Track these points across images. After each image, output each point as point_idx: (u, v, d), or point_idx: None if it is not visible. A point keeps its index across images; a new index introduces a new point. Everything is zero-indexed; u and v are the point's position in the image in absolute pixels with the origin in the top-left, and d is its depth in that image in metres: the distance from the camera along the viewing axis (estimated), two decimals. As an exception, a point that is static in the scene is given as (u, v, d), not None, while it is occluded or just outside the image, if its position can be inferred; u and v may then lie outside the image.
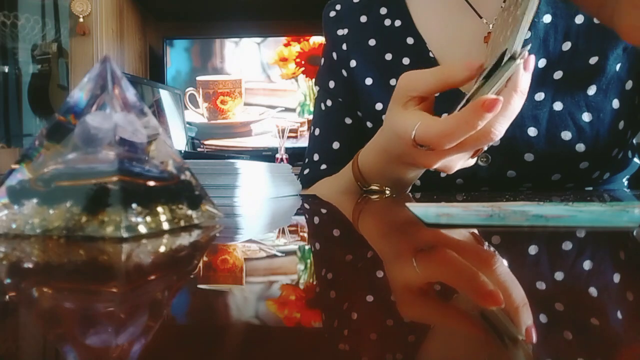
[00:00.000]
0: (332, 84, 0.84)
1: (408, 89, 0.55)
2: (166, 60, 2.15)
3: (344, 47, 0.82)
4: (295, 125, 2.10)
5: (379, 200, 0.57)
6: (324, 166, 0.82)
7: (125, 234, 0.26)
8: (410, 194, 0.68)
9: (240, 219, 0.41)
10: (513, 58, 0.48)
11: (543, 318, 0.15)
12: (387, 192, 0.64)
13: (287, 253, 0.26)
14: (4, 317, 0.16)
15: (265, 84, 2.14)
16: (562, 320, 0.15)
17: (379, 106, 0.77)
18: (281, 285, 0.19)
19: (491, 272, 0.21)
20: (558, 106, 0.69)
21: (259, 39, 2.15)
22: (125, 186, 0.28)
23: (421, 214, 0.35)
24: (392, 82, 0.77)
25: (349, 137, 0.82)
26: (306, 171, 0.85)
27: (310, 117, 2.00)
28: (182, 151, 1.82)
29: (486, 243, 0.28)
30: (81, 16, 1.80)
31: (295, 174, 0.72)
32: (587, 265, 0.22)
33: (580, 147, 0.69)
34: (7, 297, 0.18)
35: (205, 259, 0.25)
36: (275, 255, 0.25)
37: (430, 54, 0.75)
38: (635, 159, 0.78)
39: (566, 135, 0.69)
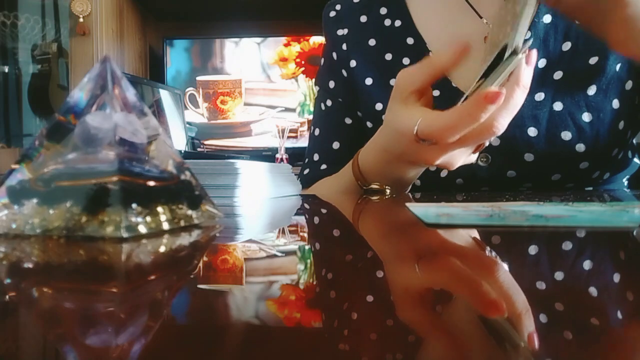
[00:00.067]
0: (332, 84, 0.84)
1: (406, 84, 0.56)
2: (166, 60, 2.15)
3: (344, 47, 0.82)
4: (295, 125, 2.10)
5: (379, 201, 0.57)
6: (324, 166, 0.82)
7: (125, 234, 0.26)
8: (410, 194, 0.68)
9: (240, 219, 0.41)
10: (515, 53, 0.48)
11: (543, 319, 0.15)
12: (387, 191, 0.64)
13: (287, 253, 0.26)
14: (4, 317, 0.16)
15: (265, 84, 2.14)
16: (563, 321, 0.15)
17: (379, 106, 0.77)
18: (281, 286, 0.19)
19: (491, 273, 0.21)
20: (558, 106, 0.69)
21: (259, 39, 2.15)
22: (125, 186, 0.28)
23: (421, 214, 0.35)
24: (392, 82, 0.76)
25: (349, 137, 0.82)
26: (306, 171, 0.85)
27: (310, 117, 2.00)
28: (182, 151, 1.82)
29: (486, 243, 0.28)
30: (81, 16, 1.80)
31: (295, 174, 0.72)
32: (587, 265, 0.22)
33: (580, 147, 0.69)
34: (7, 297, 0.18)
35: (205, 259, 0.25)
36: (275, 255, 0.25)
37: (430, 54, 0.75)
38: (635, 159, 0.78)
39: (566, 135, 0.69)
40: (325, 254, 0.27)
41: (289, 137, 2.06)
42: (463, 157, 0.56)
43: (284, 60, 2.13)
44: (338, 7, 0.85)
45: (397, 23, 0.79)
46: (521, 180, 0.72)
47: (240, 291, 0.18)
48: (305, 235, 0.34)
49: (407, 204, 0.43)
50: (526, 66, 0.49)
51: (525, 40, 0.49)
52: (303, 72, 2.12)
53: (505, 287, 0.18)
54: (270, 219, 0.43)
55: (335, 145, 0.82)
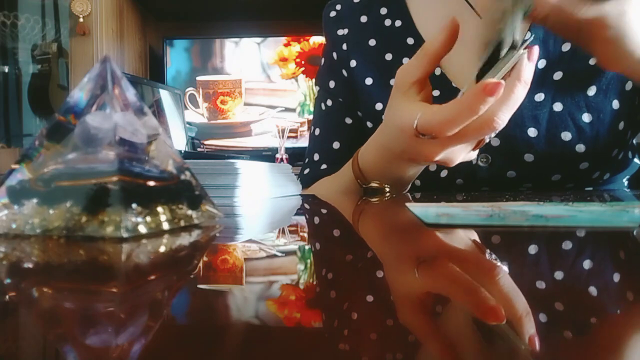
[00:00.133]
0: (332, 84, 0.84)
1: (406, 76, 0.56)
2: (166, 60, 2.15)
3: (344, 47, 0.82)
4: (295, 125, 2.10)
5: (379, 201, 0.57)
6: (324, 166, 0.82)
7: (125, 234, 0.26)
8: (409, 194, 0.68)
9: (240, 219, 0.41)
10: (514, 48, 0.48)
11: (544, 319, 0.15)
12: (387, 189, 0.64)
13: (287, 253, 0.26)
14: (4, 317, 0.16)
15: (265, 84, 2.14)
16: (563, 321, 0.15)
17: (379, 106, 0.77)
18: (281, 286, 0.19)
19: (491, 274, 0.21)
20: (558, 107, 0.69)
21: (259, 39, 2.15)
22: (125, 186, 0.28)
23: (421, 214, 0.35)
24: (392, 82, 0.76)
25: (349, 137, 0.82)
26: (306, 171, 0.85)
27: (310, 117, 2.00)
28: (182, 151, 1.82)
29: (486, 244, 0.28)
30: (81, 16, 1.80)
31: (295, 174, 0.72)
32: (587, 265, 0.22)
33: (580, 147, 0.69)
34: (7, 297, 0.18)
35: (205, 259, 0.25)
36: (275, 256, 0.25)
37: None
38: (636, 160, 0.78)
39: (566, 135, 0.69)
40: (325, 254, 0.27)
41: (289, 137, 2.06)
42: (463, 153, 0.56)
43: (284, 60, 2.13)
44: (338, 7, 0.85)
45: (398, 23, 0.79)
46: (521, 181, 0.72)
47: (240, 291, 0.18)
48: (306, 235, 0.34)
49: (407, 204, 0.43)
50: (528, 62, 0.49)
51: (524, 40, 0.49)
52: (303, 72, 2.12)
53: (506, 289, 0.18)
54: (270, 219, 0.43)
55: (336, 145, 0.82)
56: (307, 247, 0.29)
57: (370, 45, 0.80)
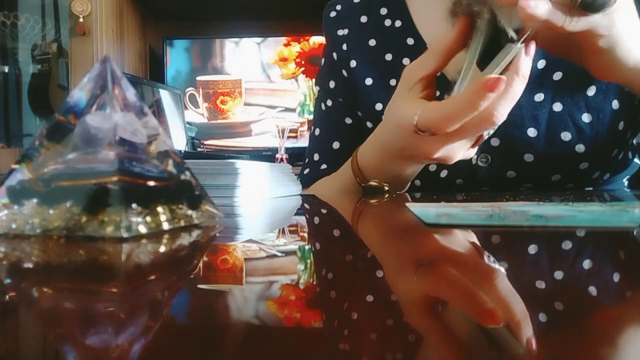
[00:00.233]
0: (332, 84, 0.84)
1: (414, 73, 0.55)
2: (166, 60, 2.15)
3: (344, 47, 0.82)
4: (295, 125, 2.10)
5: (379, 201, 0.57)
6: (324, 166, 0.82)
7: (125, 234, 0.26)
8: (407, 194, 0.68)
9: (240, 219, 0.41)
10: (512, 41, 0.48)
11: (544, 319, 0.15)
12: (386, 188, 0.64)
13: (287, 253, 0.26)
14: (4, 317, 0.16)
15: (265, 84, 2.14)
16: (563, 321, 0.15)
17: (379, 106, 0.77)
18: (281, 286, 0.19)
19: (491, 275, 0.21)
20: (558, 107, 0.69)
21: (259, 39, 2.15)
22: (125, 186, 0.28)
23: (421, 214, 0.35)
24: (392, 82, 0.77)
25: (349, 137, 0.82)
26: (306, 171, 0.85)
27: (310, 117, 2.00)
28: (182, 151, 1.82)
29: (486, 244, 0.28)
30: (81, 16, 1.80)
31: (295, 174, 0.72)
32: (587, 265, 0.22)
33: (580, 147, 0.69)
34: (7, 297, 0.18)
35: (205, 259, 0.25)
36: (275, 256, 0.25)
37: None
38: (636, 160, 0.78)
39: (566, 135, 0.69)
40: (325, 254, 0.27)
41: (289, 137, 2.06)
42: (462, 150, 0.56)
43: (284, 60, 2.13)
44: (338, 7, 0.85)
45: (398, 23, 0.79)
46: (521, 181, 0.72)
47: (240, 291, 0.18)
48: (306, 235, 0.34)
49: (407, 204, 0.43)
50: (525, 56, 0.49)
51: (522, 35, 0.49)
52: (303, 72, 2.12)
53: (505, 290, 0.18)
54: (270, 219, 0.43)
55: (336, 145, 0.82)
56: (307, 247, 0.29)
57: (370, 45, 0.80)
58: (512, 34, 0.48)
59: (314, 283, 0.20)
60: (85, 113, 0.30)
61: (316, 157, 0.84)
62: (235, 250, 0.27)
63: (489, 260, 0.23)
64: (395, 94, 0.58)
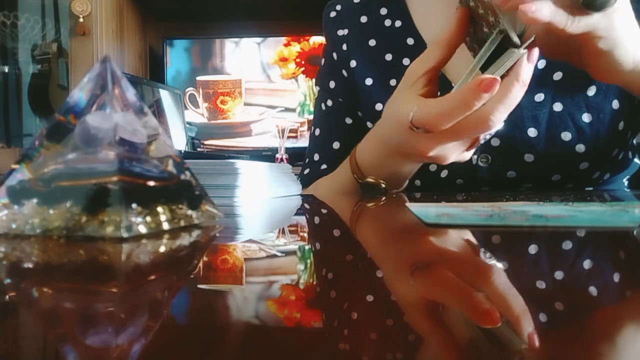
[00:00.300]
0: (332, 84, 0.84)
1: (418, 68, 0.55)
2: (166, 60, 2.15)
3: (344, 47, 0.82)
4: (295, 125, 2.10)
5: (378, 201, 0.57)
6: (324, 166, 0.82)
7: (125, 234, 0.26)
8: (404, 195, 0.68)
9: (240, 219, 0.41)
10: (515, 46, 0.48)
11: (544, 319, 0.15)
12: (383, 185, 0.64)
13: (287, 253, 0.26)
14: (4, 317, 0.16)
15: (265, 84, 2.14)
16: (563, 321, 0.15)
17: (379, 106, 0.77)
18: (281, 286, 0.19)
19: (490, 275, 0.21)
20: (558, 107, 0.69)
21: (259, 39, 2.15)
22: (125, 186, 0.28)
23: (421, 214, 0.35)
24: (392, 82, 0.77)
25: (349, 137, 0.82)
26: (306, 171, 0.85)
27: (310, 117, 2.00)
28: (182, 151, 1.82)
29: (486, 244, 0.28)
30: (81, 16, 1.80)
31: (295, 174, 0.72)
32: (587, 265, 0.22)
33: (580, 147, 0.69)
34: (7, 297, 0.18)
35: (205, 259, 0.25)
36: (275, 256, 0.25)
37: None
38: (636, 160, 0.78)
39: (566, 135, 0.69)
40: (326, 254, 0.27)
41: (289, 137, 2.06)
42: (456, 151, 0.55)
43: (284, 60, 2.13)
44: (338, 7, 0.85)
45: (398, 23, 0.79)
46: (521, 181, 0.72)
47: (240, 291, 0.18)
48: (306, 235, 0.34)
49: (407, 204, 0.43)
50: (527, 63, 0.49)
51: (524, 36, 0.48)
52: (303, 72, 2.12)
53: (505, 289, 0.18)
54: (270, 219, 0.43)
55: (336, 145, 0.82)
56: (307, 247, 0.29)
57: (370, 45, 0.80)
58: (515, 39, 0.48)
59: (314, 283, 0.20)
60: (85, 113, 0.30)
61: (316, 157, 0.84)
62: (235, 250, 0.27)
63: (488, 260, 0.23)
64: (397, 89, 0.58)
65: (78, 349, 0.13)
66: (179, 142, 1.91)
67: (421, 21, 0.78)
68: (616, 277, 0.20)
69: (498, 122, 0.50)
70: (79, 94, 0.30)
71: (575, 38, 0.49)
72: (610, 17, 0.47)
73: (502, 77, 0.49)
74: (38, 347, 0.14)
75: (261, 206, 0.51)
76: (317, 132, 0.86)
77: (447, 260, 0.24)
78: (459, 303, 0.17)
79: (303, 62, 2.12)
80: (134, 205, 0.28)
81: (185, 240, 0.28)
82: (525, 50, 0.48)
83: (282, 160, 1.95)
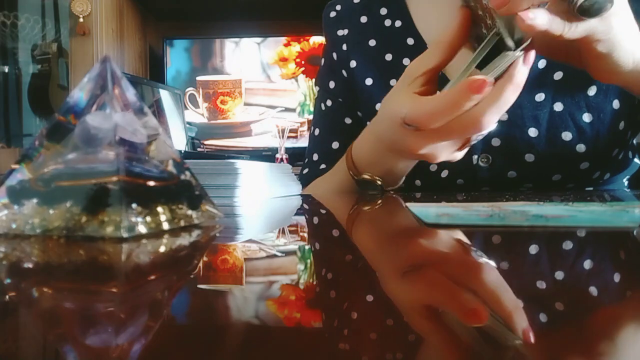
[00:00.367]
0: (332, 84, 0.84)
1: (418, 67, 0.55)
2: (166, 60, 2.15)
3: (344, 47, 0.82)
4: (295, 125, 2.10)
5: (379, 200, 0.57)
6: (323, 166, 0.82)
7: (125, 234, 0.26)
8: (399, 197, 0.68)
9: (240, 219, 0.41)
10: (510, 49, 0.48)
11: (544, 319, 0.15)
12: (379, 182, 0.64)
13: (287, 253, 0.26)
14: (4, 317, 0.16)
15: (265, 84, 2.14)
16: (563, 321, 0.15)
17: (378, 106, 0.77)
18: (281, 286, 0.19)
19: (490, 275, 0.21)
20: (558, 107, 0.69)
21: (259, 39, 2.15)
22: (125, 186, 0.28)
23: (421, 214, 0.35)
24: (392, 82, 0.76)
25: (348, 137, 0.81)
26: (305, 171, 0.85)
27: (310, 117, 2.00)
28: (182, 151, 1.82)
29: (486, 244, 0.28)
30: (81, 16, 1.80)
31: (295, 174, 0.72)
32: (587, 265, 0.22)
33: (581, 147, 0.69)
34: (7, 297, 0.18)
35: (205, 259, 0.25)
36: (275, 256, 0.25)
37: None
38: (636, 160, 0.78)
39: (566, 135, 0.69)
40: (326, 253, 0.27)
41: (289, 137, 2.06)
42: (447, 151, 0.55)
43: (284, 60, 2.13)
44: (338, 7, 0.85)
45: (398, 23, 0.79)
46: (522, 181, 0.72)
47: (240, 291, 0.18)
48: (306, 235, 0.34)
49: (407, 204, 0.43)
50: (522, 65, 0.48)
51: (523, 43, 0.48)
52: (303, 72, 2.12)
53: (505, 290, 0.18)
54: (270, 219, 0.43)
55: (335, 145, 0.82)
56: (307, 247, 0.29)
57: (370, 45, 0.80)
58: (509, 42, 0.48)
59: (314, 283, 0.20)
60: (85, 113, 0.30)
61: (315, 157, 0.84)
62: (235, 250, 0.27)
63: (488, 260, 0.23)
64: (394, 86, 0.58)
65: (78, 349, 0.13)
66: (179, 142, 1.91)
67: (421, 21, 0.78)
68: (616, 277, 0.20)
69: (489, 124, 0.50)
70: (79, 94, 0.30)
71: (574, 42, 0.49)
72: (608, 20, 0.47)
73: (498, 79, 0.49)
74: (38, 347, 0.14)
75: (261, 206, 0.51)
76: (317, 132, 0.86)
77: (447, 260, 0.24)
78: (458, 302, 0.17)
79: (303, 62, 2.12)
80: (134, 205, 0.28)
81: (185, 240, 0.28)
82: (521, 53, 0.48)
83: (282, 160, 1.95)
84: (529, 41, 0.48)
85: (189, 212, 0.32)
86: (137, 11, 2.12)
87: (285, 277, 0.21)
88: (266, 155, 2.00)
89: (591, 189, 0.75)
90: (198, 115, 2.14)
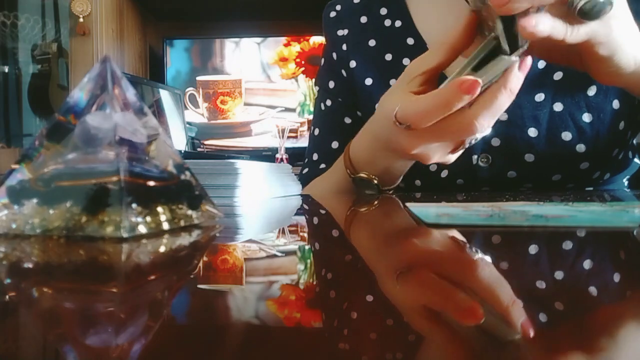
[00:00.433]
0: (332, 84, 0.84)
1: (418, 65, 0.55)
2: (166, 60, 2.15)
3: (344, 47, 0.82)
4: (295, 125, 2.10)
5: (379, 200, 0.57)
6: (323, 165, 0.82)
7: (125, 234, 0.26)
8: (396, 197, 0.68)
9: (240, 219, 0.41)
10: (506, 53, 0.48)
11: (543, 318, 0.15)
12: (375, 181, 0.64)
13: (287, 253, 0.26)
14: (4, 317, 0.16)
15: (265, 84, 2.14)
16: (562, 321, 0.15)
17: (378, 106, 0.77)
18: (281, 285, 0.19)
19: (490, 275, 0.21)
20: (558, 107, 0.69)
21: (259, 39, 2.15)
22: (125, 186, 0.28)
23: (421, 214, 0.35)
24: (392, 82, 0.76)
25: (348, 137, 0.81)
26: (305, 170, 0.85)
27: (310, 117, 2.00)
28: (182, 151, 1.82)
29: (487, 243, 0.28)
30: (81, 16, 1.80)
31: (295, 174, 0.72)
32: (587, 265, 0.22)
33: (581, 147, 0.69)
34: (7, 297, 0.18)
35: (205, 259, 0.25)
36: (275, 255, 0.25)
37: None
38: (636, 160, 0.78)
39: (566, 135, 0.69)
40: (326, 253, 0.27)
41: (289, 137, 2.06)
42: (439, 152, 0.55)
43: (284, 60, 2.13)
44: (338, 7, 0.85)
45: (397, 23, 0.79)
46: (522, 181, 0.72)
47: (240, 291, 0.18)
48: (306, 235, 0.34)
49: (407, 204, 0.43)
50: (517, 71, 0.48)
51: (520, 48, 0.48)
52: (303, 72, 2.12)
53: (505, 290, 0.18)
54: (270, 219, 0.43)
55: (335, 144, 0.82)
56: (307, 247, 0.29)
57: (370, 45, 0.80)
58: (505, 46, 0.48)
59: (314, 283, 0.20)
60: (85, 113, 0.30)
61: (315, 156, 0.84)
62: (235, 250, 0.27)
63: (488, 260, 0.23)
64: (393, 85, 0.58)
65: (78, 349, 0.13)
66: (179, 142, 1.91)
67: (421, 21, 0.78)
68: (616, 277, 0.20)
69: (482, 128, 0.49)
70: (79, 94, 0.30)
71: (574, 45, 0.49)
72: (609, 22, 0.47)
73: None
74: (38, 347, 0.14)
75: (261, 206, 0.51)
76: (317, 131, 0.86)
77: (447, 260, 0.24)
78: (458, 302, 0.17)
79: (303, 62, 2.12)
80: (134, 205, 0.28)
81: (185, 240, 0.28)
82: (517, 59, 0.48)
83: (282, 160, 1.95)
84: (525, 47, 0.48)
85: (189, 212, 0.32)
86: (137, 11, 2.12)
87: (285, 277, 0.21)
88: (266, 155, 2.00)
89: (591, 189, 0.75)
90: (198, 115, 2.14)
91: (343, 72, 0.82)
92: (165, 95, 1.94)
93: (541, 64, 0.70)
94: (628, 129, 0.71)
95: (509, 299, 0.17)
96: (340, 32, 0.83)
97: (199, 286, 0.19)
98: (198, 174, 0.35)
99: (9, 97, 2.13)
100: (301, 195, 0.69)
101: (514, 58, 0.48)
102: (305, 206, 0.55)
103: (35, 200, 0.28)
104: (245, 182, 0.53)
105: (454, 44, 0.53)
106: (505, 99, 0.48)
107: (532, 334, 0.14)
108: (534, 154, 0.69)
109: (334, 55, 0.84)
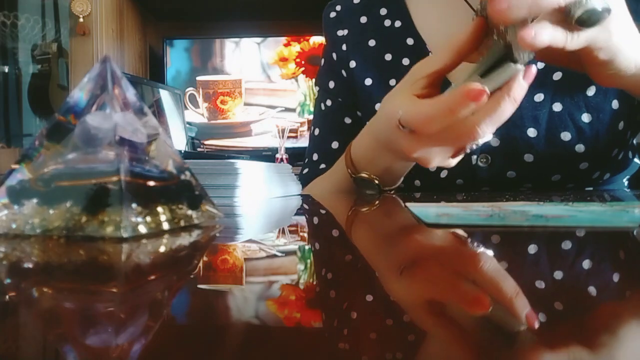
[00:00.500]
0: (331, 84, 0.84)
1: (423, 68, 0.55)
2: (166, 60, 2.15)
3: (344, 47, 0.82)
4: (295, 125, 2.10)
5: (379, 200, 0.57)
6: (323, 166, 0.82)
7: (125, 234, 0.26)
8: (397, 196, 0.68)
9: (240, 219, 0.41)
10: (513, 61, 0.48)
11: (543, 318, 0.15)
12: (376, 181, 0.64)
13: (287, 253, 0.26)
14: (4, 317, 0.16)
15: (265, 84, 2.14)
16: (562, 321, 0.15)
17: (378, 106, 0.77)
18: (281, 286, 0.19)
19: (490, 275, 0.21)
20: (558, 107, 0.69)
21: (259, 39, 2.15)
22: (125, 186, 0.28)
23: (421, 214, 0.35)
24: (392, 82, 0.77)
25: (348, 137, 0.81)
26: (305, 170, 0.85)
27: (310, 117, 2.00)
28: (182, 151, 1.82)
29: (486, 243, 0.28)
30: (81, 16, 1.80)
31: (295, 174, 0.72)
32: (587, 265, 0.22)
33: (580, 147, 0.69)
34: (7, 297, 0.18)
35: (205, 259, 0.25)
36: (275, 255, 0.25)
37: (430, 55, 0.75)
38: (636, 160, 0.78)
39: (566, 135, 0.69)
40: (325, 253, 0.27)
41: (289, 137, 2.06)
42: (441, 156, 0.55)
43: (284, 60, 2.13)
44: (338, 7, 0.85)
45: (397, 24, 0.79)
46: (521, 181, 0.72)
47: (240, 291, 0.18)
48: (306, 235, 0.34)
49: (407, 204, 0.43)
50: (522, 80, 0.48)
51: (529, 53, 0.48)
52: (303, 72, 2.12)
53: (505, 290, 0.18)
54: (270, 219, 0.43)
55: (335, 145, 0.82)
56: (307, 247, 0.29)
57: (370, 45, 0.80)
58: (517, 54, 0.47)
59: (314, 283, 0.20)
60: (85, 113, 0.30)
61: (315, 156, 0.84)
62: (235, 250, 0.27)
63: (488, 260, 0.23)
64: (396, 86, 0.57)
65: (78, 349, 0.13)
66: (179, 142, 1.91)
67: (421, 21, 0.78)
68: (616, 277, 0.20)
69: (484, 134, 0.49)
70: (79, 94, 0.30)
71: (575, 50, 0.49)
72: (608, 27, 0.47)
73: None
74: (38, 347, 0.14)
75: (261, 206, 0.51)
76: (317, 132, 0.86)
77: (447, 260, 0.24)
78: (458, 301, 0.17)
79: (303, 62, 2.12)
80: (134, 205, 0.28)
81: (185, 240, 0.28)
82: (523, 67, 0.48)
83: (282, 160, 1.95)
84: (532, 55, 0.48)
85: (189, 212, 0.32)
86: (137, 11, 2.12)
87: (285, 277, 0.21)
88: (266, 155, 2.00)
89: (591, 189, 0.75)
90: (198, 115, 2.14)
91: (343, 72, 0.82)
92: (165, 95, 1.94)
93: (540, 64, 0.69)
94: (627, 129, 0.71)
95: (509, 298, 0.17)
96: (340, 33, 0.83)
97: (199, 286, 0.19)
98: (198, 174, 0.35)
99: (9, 97, 2.13)
100: (301, 195, 0.69)
101: (520, 66, 0.48)
102: (306, 206, 0.55)
103: (35, 200, 0.28)
104: (245, 182, 0.53)
105: (460, 48, 0.52)
106: (508, 107, 0.48)
107: (536, 325, 0.14)
108: (534, 154, 0.69)
109: (334, 55, 0.84)
